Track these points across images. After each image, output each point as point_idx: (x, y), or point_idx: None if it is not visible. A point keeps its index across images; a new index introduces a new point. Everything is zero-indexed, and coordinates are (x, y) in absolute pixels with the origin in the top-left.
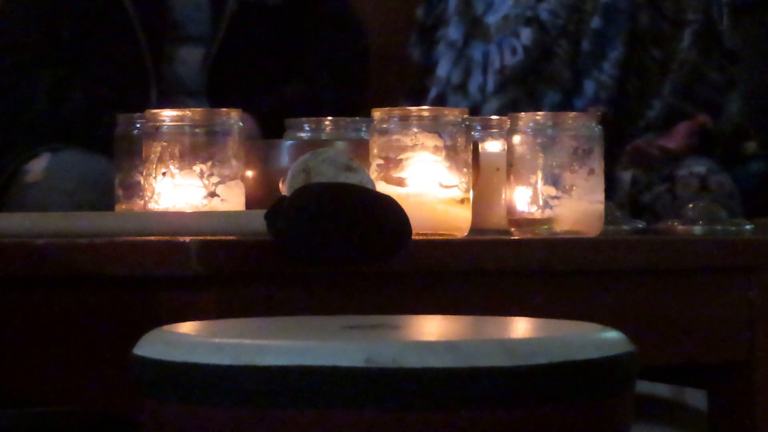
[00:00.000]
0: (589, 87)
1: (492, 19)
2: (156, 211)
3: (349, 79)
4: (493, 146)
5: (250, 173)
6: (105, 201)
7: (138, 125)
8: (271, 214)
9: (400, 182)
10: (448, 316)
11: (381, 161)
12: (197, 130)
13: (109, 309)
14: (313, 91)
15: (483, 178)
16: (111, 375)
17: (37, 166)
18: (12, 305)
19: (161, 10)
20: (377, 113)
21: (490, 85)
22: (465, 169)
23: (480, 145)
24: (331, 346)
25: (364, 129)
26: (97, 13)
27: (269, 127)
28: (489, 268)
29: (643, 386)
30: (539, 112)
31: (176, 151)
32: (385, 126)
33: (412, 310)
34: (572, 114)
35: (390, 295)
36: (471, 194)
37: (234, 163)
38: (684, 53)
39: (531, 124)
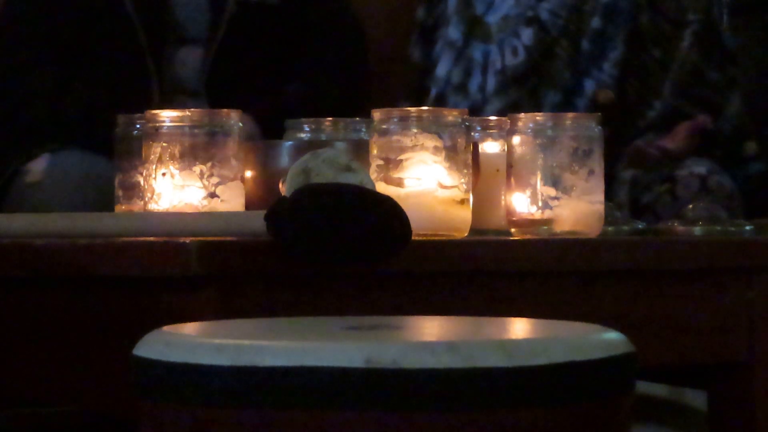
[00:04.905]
0: (589, 87)
1: (492, 19)
2: (156, 212)
3: (349, 79)
4: (492, 147)
5: (249, 174)
6: (105, 201)
7: (138, 126)
8: (271, 214)
9: (399, 183)
10: (448, 317)
11: (381, 162)
12: (197, 131)
13: (109, 309)
14: (313, 91)
15: (483, 179)
16: (111, 375)
17: (37, 167)
18: (12, 305)
19: (162, 11)
20: (377, 113)
21: (490, 85)
22: (465, 170)
23: (480, 146)
24: (331, 346)
25: (363, 129)
26: (98, 14)
27: (269, 128)
28: (489, 269)
29: (643, 386)
30: (539, 113)
31: (176, 151)
32: (385, 126)
33: (412, 310)
34: (572, 114)
35: (390, 295)
36: (471, 195)
37: (234, 163)
38: (684, 53)
39: (531, 125)
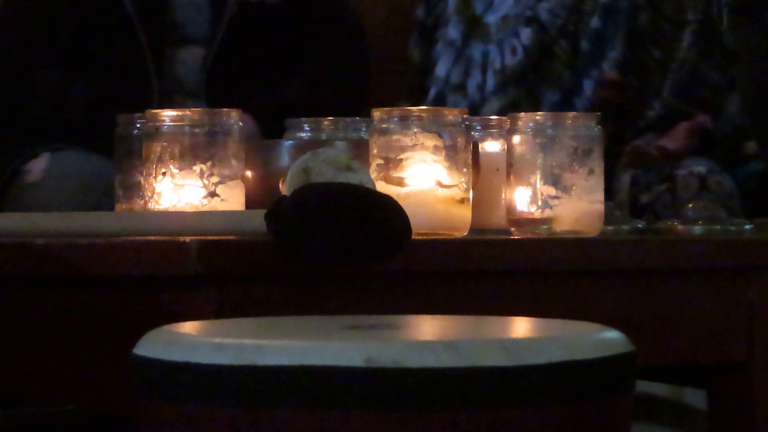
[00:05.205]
0: (588, 87)
1: (491, 19)
2: (156, 211)
3: (349, 79)
4: (492, 146)
5: (249, 173)
6: (105, 201)
7: (138, 125)
8: (271, 214)
9: (400, 182)
10: (448, 316)
11: (381, 161)
12: (197, 131)
13: (109, 309)
14: (313, 91)
15: (483, 178)
16: (111, 375)
17: (37, 166)
18: (12, 305)
19: (162, 11)
20: (377, 113)
21: (489, 84)
22: (465, 169)
23: (480, 145)
24: (331, 346)
25: (364, 129)
26: (98, 14)
27: (269, 127)
28: (489, 268)
29: (643, 386)
30: (539, 112)
31: (176, 151)
32: (385, 126)
33: (412, 310)
34: (572, 114)
35: (390, 295)
36: (471, 194)
37: (234, 163)
38: (684, 53)
39: (531, 124)
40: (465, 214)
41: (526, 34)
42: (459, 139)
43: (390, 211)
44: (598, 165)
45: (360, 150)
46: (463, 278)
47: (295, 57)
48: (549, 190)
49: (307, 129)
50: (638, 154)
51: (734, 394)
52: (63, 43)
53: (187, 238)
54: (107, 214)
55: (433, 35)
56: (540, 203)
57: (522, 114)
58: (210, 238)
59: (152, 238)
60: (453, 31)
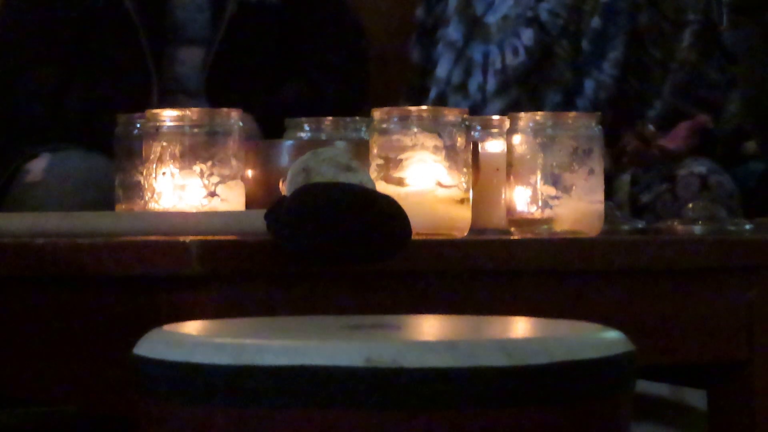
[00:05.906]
0: (588, 87)
1: (492, 20)
2: (156, 211)
3: (349, 79)
4: (492, 146)
5: (250, 173)
6: (105, 201)
7: (138, 125)
8: (271, 214)
9: (400, 182)
10: (448, 316)
11: (381, 161)
12: (197, 131)
13: (109, 309)
14: (313, 91)
15: (483, 178)
16: (111, 375)
17: (37, 166)
18: (12, 305)
19: (162, 12)
20: (377, 113)
21: (490, 85)
22: (465, 169)
23: (480, 145)
24: (331, 346)
25: (363, 129)
26: (98, 14)
27: (269, 127)
28: (489, 268)
29: (643, 386)
30: (539, 112)
31: (176, 151)
32: (385, 126)
33: (412, 310)
34: (572, 114)
35: (390, 295)
36: (471, 194)
37: (234, 163)
38: (684, 53)
39: (531, 124)
40: (465, 214)
41: (526, 34)
42: (459, 139)
43: (390, 211)
44: (598, 165)
45: (360, 150)
46: (463, 278)
47: (295, 57)
48: (549, 190)
49: (307, 129)
50: (639, 154)
51: (734, 394)
52: (63, 43)
53: (188, 238)
54: (107, 214)
55: (433, 36)
56: (540, 203)
57: (522, 114)
58: (210, 238)
59: (152, 238)
60: (454, 32)
